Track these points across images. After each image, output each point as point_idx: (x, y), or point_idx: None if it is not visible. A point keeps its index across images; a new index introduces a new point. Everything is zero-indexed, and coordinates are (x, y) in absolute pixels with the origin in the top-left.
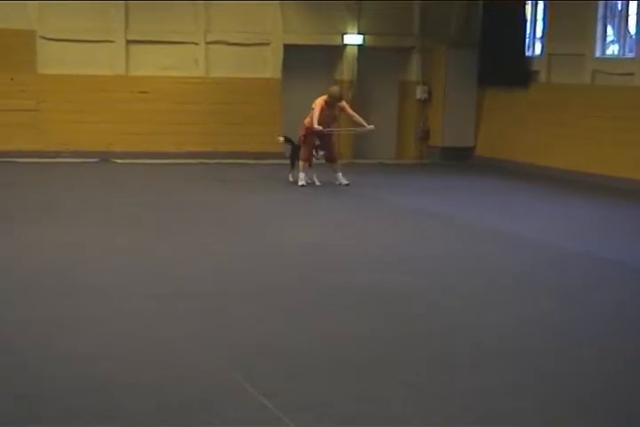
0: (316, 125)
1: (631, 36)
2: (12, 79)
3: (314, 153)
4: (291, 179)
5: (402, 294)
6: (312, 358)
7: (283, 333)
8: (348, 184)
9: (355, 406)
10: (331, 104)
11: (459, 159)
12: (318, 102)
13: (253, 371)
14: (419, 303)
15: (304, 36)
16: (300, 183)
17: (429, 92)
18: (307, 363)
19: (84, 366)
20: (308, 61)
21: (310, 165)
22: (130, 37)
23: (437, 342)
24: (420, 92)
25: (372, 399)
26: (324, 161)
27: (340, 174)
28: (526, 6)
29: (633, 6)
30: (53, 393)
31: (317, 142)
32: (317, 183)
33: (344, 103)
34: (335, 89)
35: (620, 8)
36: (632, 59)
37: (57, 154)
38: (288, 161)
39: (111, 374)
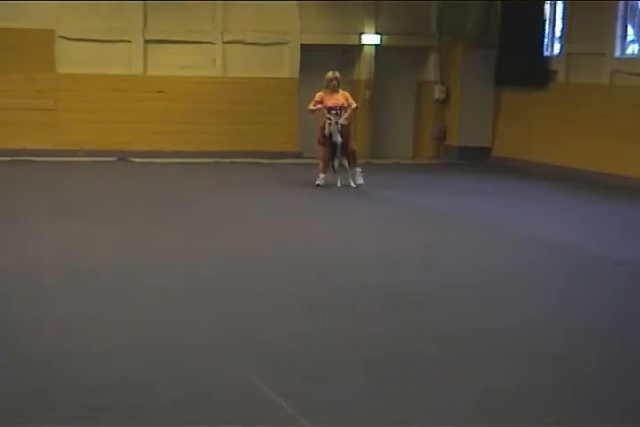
0: (311, 106)
1: None
2: (30, 78)
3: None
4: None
5: (419, 295)
6: (328, 359)
7: (299, 333)
8: (360, 185)
9: (370, 406)
10: (330, 92)
11: (476, 159)
12: (317, 94)
13: (269, 371)
14: (436, 304)
15: (321, 35)
16: (316, 183)
17: (447, 92)
18: (323, 363)
19: (98, 363)
20: (326, 61)
21: (328, 166)
22: (148, 37)
23: (453, 343)
24: (437, 92)
25: (387, 400)
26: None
27: (355, 173)
28: (545, 6)
29: None
30: (69, 390)
31: (340, 140)
32: (338, 184)
33: (347, 94)
34: (328, 73)
35: None
36: None
37: (74, 153)
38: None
39: (126, 373)
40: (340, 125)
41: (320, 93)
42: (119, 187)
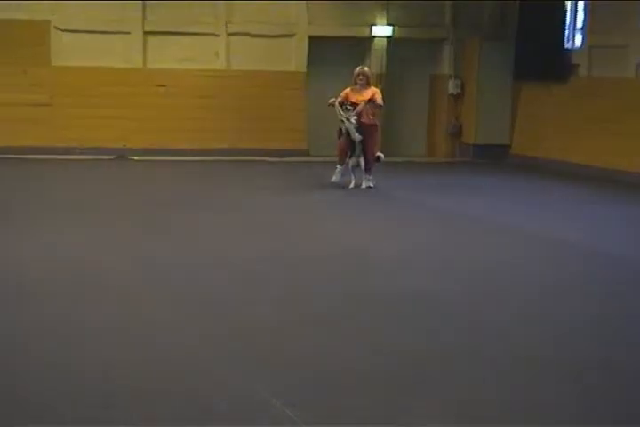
0: (330, 100)
1: None
2: (24, 72)
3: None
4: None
5: (438, 302)
6: (339, 369)
7: (309, 342)
8: (370, 187)
9: (380, 417)
10: (358, 89)
11: (493, 157)
12: (344, 91)
13: (277, 380)
14: (456, 312)
15: (330, 27)
16: (332, 179)
17: (462, 87)
18: (333, 374)
19: (101, 373)
20: (335, 54)
21: (343, 158)
22: (147, 28)
23: (473, 354)
24: (452, 87)
25: (399, 412)
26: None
27: (367, 176)
28: None
29: None
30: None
31: (358, 138)
32: (351, 185)
33: (376, 90)
34: (357, 68)
35: None
36: None
37: (71, 150)
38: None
39: (130, 384)
40: (355, 123)
41: (347, 90)
42: (118, 186)
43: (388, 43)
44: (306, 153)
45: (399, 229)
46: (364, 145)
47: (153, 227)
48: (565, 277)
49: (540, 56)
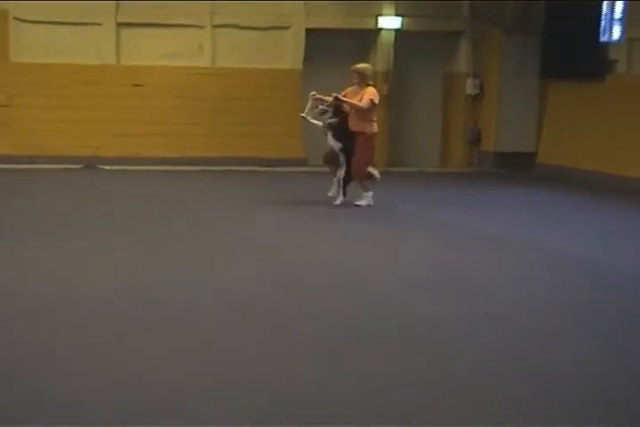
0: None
1: None
2: None
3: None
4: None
5: (446, 328)
6: (341, 399)
7: (308, 376)
8: (336, 204)
9: None
10: (356, 89)
11: (516, 168)
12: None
13: (278, 399)
14: (469, 340)
15: (330, 18)
16: (330, 193)
17: (481, 87)
18: (333, 399)
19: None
20: (336, 49)
21: (334, 174)
22: (121, 19)
23: (483, 387)
24: (469, 87)
25: None
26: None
27: (339, 190)
28: None
29: None
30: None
31: (333, 145)
32: (334, 198)
33: (370, 90)
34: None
35: None
36: None
37: (33, 159)
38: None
39: (124, 413)
40: (330, 127)
41: (347, 90)
42: (86, 200)
43: (397, 36)
44: (303, 162)
45: (406, 250)
46: (348, 156)
47: (123, 246)
48: (600, 301)
49: (572, 51)
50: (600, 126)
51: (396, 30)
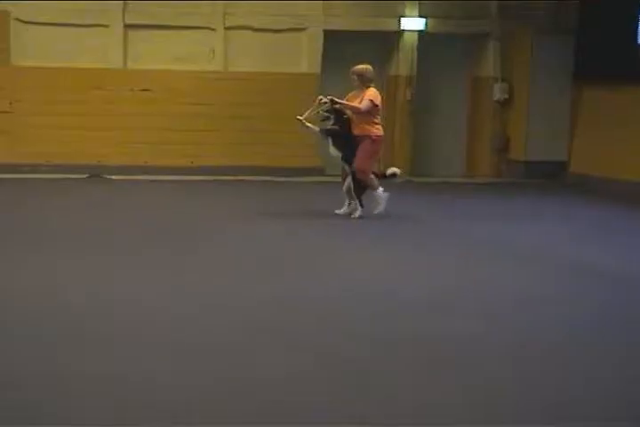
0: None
1: None
2: None
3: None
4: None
5: (478, 350)
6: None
7: (319, 396)
8: (354, 217)
9: None
10: (358, 92)
11: (547, 177)
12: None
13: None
14: (495, 365)
15: (350, 19)
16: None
17: (510, 91)
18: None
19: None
20: (355, 52)
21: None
22: (128, 21)
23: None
24: (497, 92)
25: None
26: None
27: (355, 203)
28: None
29: None
30: None
31: (333, 154)
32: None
33: (370, 93)
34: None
35: None
36: None
37: (35, 168)
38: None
39: None
40: (329, 133)
41: (350, 94)
42: (91, 212)
43: (420, 38)
44: (319, 172)
45: (431, 265)
46: (350, 164)
47: (132, 263)
48: (619, 314)
49: (609, 52)
50: (637, 133)
51: (420, 32)
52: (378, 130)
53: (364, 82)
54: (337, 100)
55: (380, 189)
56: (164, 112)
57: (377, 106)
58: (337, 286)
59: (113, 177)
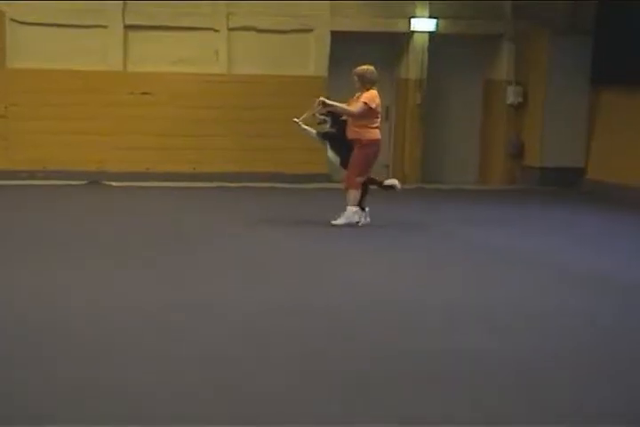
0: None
1: None
2: None
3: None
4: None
5: (488, 364)
6: None
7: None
8: (334, 225)
9: None
10: (359, 95)
11: (564, 185)
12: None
13: None
14: (511, 385)
15: (358, 20)
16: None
17: (525, 95)
18: None
19: None
20: (363, 54)
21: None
22: (129, 21)
23: None
24: (511, 95)
25: None
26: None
27: (350, 212)
28: None
29: None
30: None
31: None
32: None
33: (366, 95)
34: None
35: None
36: None
37: (31, 175)
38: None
39: None
40: (326, 136)
41: (354, 97)
42: (90, 220)
43: (431, 39)
44: (326, 178)
45: (436, 275)
46: (347, 167)
47: (134, 271)
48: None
49: (627, 54)
50: None
51: (431, 33)
52: (371, 134)
53: (364, 83)
54: (328, 101)
55: (355, 208)
56: (166, 116)
57: (372, 109)
58: (340, 295)
59: (113, 184)
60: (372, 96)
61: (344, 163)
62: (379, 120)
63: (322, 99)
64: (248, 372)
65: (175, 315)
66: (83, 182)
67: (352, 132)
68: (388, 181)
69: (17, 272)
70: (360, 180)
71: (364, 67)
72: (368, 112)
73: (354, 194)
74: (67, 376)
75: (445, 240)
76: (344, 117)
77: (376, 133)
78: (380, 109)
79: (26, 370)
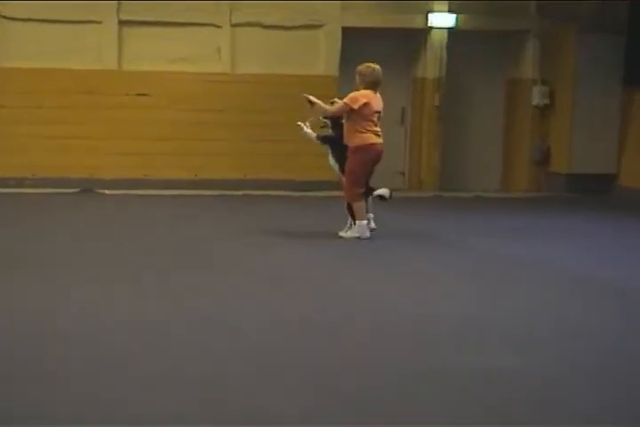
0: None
1: None
2: None
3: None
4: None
5: (514, 388)
6: None
7: None
8: (341, 237)
9: None
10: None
11: (593, 192)
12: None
13: None
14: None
15: (371, 15)
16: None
17: (551, 96)
18: None
19: None
20: (377, 52)
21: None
22: (124, 17)
23: None
24: (537, 96)
25: None
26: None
27: (350, 222)
28: None
29: None
30: None
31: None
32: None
33: (353, 93)
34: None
35: None
36: None
37: (20, 182)
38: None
39: None
40: (325, 140)
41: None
42: (81, 232)
43: (450, 36)
44: (336, 186)
45: (462, 290)
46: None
47: (131, 286)
48: None
49: None
50: None
51: (450, 29)
52: (359, 139)
53: (361, 82)
54: (313, 99)
55: (365, 221)
56: (164, 119)
57: (356, 110)
58: (352, 310)
59: (106, 192)
60: (355, 96)
61: (342, 168)
62: (372, 124)
63: (305, 95)
64: (254, 388)
65: (175, 329)
66: (74, 191)
67: (345, 137)
68: (379, 191)
69: (4, 284)
70: (359, 191)
71: (367, 65)
72: (353, 115)
73: (357, 207)
74: (67, 377)
75: (463, 252)
76: (344, 120)
77: (367, 139)
78: (373, 112)
79: (26, 371)
